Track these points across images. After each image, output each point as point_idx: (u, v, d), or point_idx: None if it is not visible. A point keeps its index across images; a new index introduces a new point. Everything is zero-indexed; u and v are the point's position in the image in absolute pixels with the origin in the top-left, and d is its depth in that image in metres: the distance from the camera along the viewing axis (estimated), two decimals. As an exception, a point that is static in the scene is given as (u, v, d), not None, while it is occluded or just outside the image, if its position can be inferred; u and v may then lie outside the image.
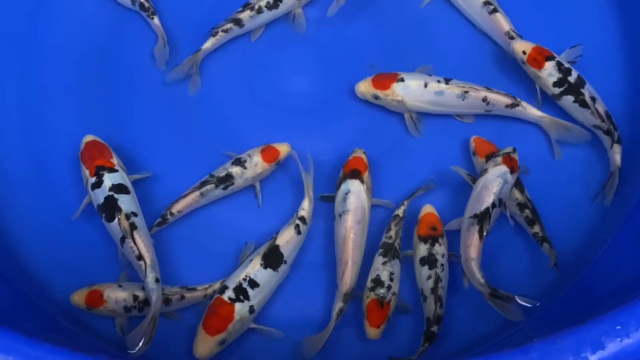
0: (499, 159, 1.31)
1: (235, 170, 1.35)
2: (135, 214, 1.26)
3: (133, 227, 1.25)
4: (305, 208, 1.32)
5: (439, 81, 1.41)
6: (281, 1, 1.48)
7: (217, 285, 1.29)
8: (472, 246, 1.24)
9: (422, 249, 1.29)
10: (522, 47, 1.43)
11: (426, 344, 1.23)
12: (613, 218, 1.38)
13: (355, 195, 1.31)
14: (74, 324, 1.28)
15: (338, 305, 1.25)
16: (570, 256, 1.35)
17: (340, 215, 1.30)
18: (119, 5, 1.52)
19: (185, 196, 1.34)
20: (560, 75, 1.41)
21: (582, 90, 1.41)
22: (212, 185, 1.34)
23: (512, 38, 1.47)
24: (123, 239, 1.24)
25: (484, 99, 1.41)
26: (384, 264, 1.28)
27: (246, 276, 1.25)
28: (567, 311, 1.27)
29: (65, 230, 1.36)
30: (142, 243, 1.24)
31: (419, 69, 1.45)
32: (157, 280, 1.22)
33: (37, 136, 1.44)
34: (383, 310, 1.25)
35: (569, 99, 1.41)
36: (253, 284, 1.24)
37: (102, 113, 1.46)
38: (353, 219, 1.29)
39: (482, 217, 1.26)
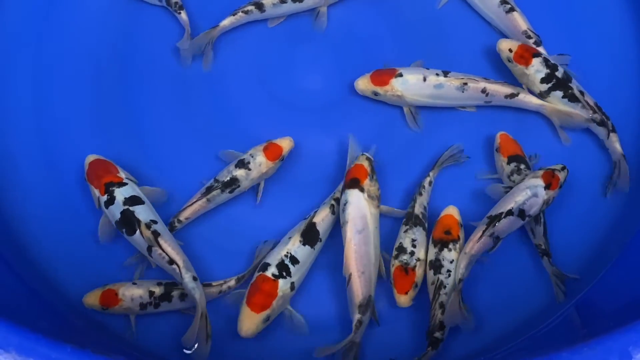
0: (540, 172, 1.31)
1: (240, 172, 1.33)
2: (154, 222, 1.26)
3: (156, 234, 1.24)
4: (341, 190, 1.33)
5: (437, 74, 1.40)
6: None
7: (232, 282, 1.29)
8: (471, 241, 1.25)
9: (431, 252, 1.28)
10: (507, 45, 1.43)
11: (429, 348, 1.22)
12: (623, 231, 1.38)
13: (354, 205, 1.28)
14: (88, 323, 1.28)
15: (355, 317, 1.23)
16: (578, 267, 1.35)
17: (342, 226, 1.29)
18: (134, 1, 1.51)
19: (192, 204, 1.33)
20: (548, 71, 1.41)
21: (570, 84, 1.41)
22: (218, 191, 1.33)
23: (529, 37, 1.46)
24: (150, 248, 1.24)
25: (483, 90, 1.40)
26: (405, 231, 1.30)
27: (287, 253, 1.26)
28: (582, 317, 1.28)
29: (77, 228, 1.36)
30: (169, 247, 1.23)
31: (413, 65, 1.44)
32: (194, 279, 1.22)
33: (50, 135, 1.44)
34: (409, 276, 1.26)
35: (558, 94, 1.41)
36: (294, 260, 1.26)
37: (114, 109, 1.45)
38: (353, 229, 1.27)
39: (492, 219, 1.26)
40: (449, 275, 1.25)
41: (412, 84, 1.40)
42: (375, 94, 1.42)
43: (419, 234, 1.30)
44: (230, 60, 1.49)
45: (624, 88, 1.49)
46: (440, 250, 1.27)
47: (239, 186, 1.33)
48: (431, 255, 1.28)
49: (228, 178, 1.33)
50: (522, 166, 1.34)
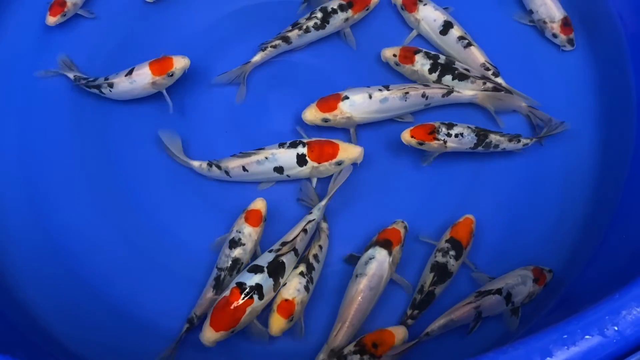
0: (531, 267, 1.33)
1: (238, 252, 1.34)
2: (271, 249, 1.32)
3: (284, 243, 1.32)
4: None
5: (380, 89, 1.45)
6: (328, 23, 1.55)
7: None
8: (456, 307, 1.28)
9: (350, 347, 1.25)
10: (390, 51, 1.53)
11: None
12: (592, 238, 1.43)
13: (378, 263, 1.31)
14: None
15: (321, 356, 1.26)
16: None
17: (356, 276, 1.31)
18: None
19: (209, 299, 1.32)
20: (432, 61, 1.50)
21: (454, 66, 1.50)
22: (228, 278, 1.32)
23: (487, 69, 1.53)
24: (298, 252, 1.34)
25: (423, 95, 1.47)
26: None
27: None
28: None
29: (63, 270, 1.41)
30: (293, 231, 1.35)
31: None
32: (320, 209, 1.37)
33: (35, 177, 1.49)
34: (429, 135, 1.38)
35: (448, 78, 1.49)
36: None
37: (97, 159, 1.51)
38: (367, 283, 1.29)
39: (481, 294, 1.28)
40: None
41: (360, 104, 1.44)
42: (325, 120, 1.45)
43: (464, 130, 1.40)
44: (207, 105, 1.55)
45: (581, 116, 1.54)
46: (355, 353, 1.23)
47: (242, 264, 1.34)
48: (347, 349, 1.25)
49: (230, 262, 1.34)
50: (452, 253, 1.33)
